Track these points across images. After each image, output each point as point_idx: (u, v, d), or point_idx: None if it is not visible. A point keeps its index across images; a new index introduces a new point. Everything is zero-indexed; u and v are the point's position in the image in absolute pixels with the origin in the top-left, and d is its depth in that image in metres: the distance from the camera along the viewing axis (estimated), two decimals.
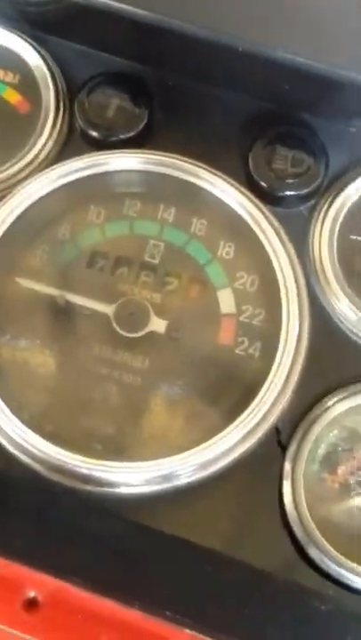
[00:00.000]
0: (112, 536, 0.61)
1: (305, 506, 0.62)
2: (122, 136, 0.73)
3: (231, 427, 0.64)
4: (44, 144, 0.73)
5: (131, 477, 0.64)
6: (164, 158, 0.71)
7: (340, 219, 0.70)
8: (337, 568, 0.61)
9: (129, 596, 0.58)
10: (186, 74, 0.73)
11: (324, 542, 0.61)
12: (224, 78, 0.72)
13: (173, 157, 0.71)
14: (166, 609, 0.57)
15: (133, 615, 0.58)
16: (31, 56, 0.75)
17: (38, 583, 0.59)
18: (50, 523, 0.61)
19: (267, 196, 0.71)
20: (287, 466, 0.64)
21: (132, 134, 0.73)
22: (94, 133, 0.73)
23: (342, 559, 0.61)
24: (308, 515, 0.62)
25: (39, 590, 0.60)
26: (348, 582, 0.61)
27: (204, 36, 0.65)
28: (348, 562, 0.61)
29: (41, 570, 0.59)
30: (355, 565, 0.61)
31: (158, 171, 0.71)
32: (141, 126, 0.73)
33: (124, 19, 0.66)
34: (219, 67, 0.70)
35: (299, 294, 0.68)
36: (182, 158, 0.71)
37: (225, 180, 0.71)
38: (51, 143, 0.73)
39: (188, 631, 0.57)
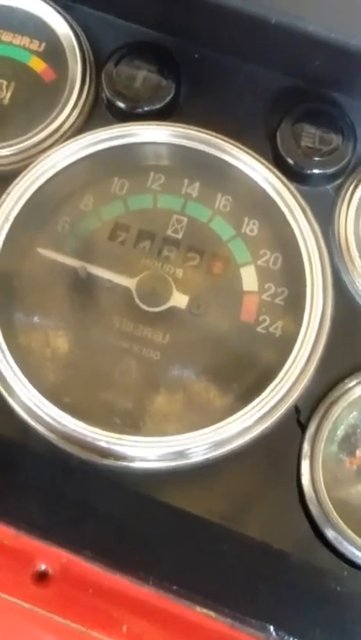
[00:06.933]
0: (126, 511, 0.60)
1: (323, 486, 0.62)
2: (148, 108, 0.72)
3: (249, 406, 0.64)
4: (69, 114, 0.72)
5: (147, 452, 0.63)
6: (191, 132, 0.70)
7: None
8: (353, 549, 0.60)
9: (141, 571, 0.57)
10: (215, 46, 0.72)
11: (341, 523, 0.61)
12: (254, 52, 0.71)
13: (201, 131, 0.70)
14: (178, 586, 0.57)
15: (145, 591, 0.57)
16: (59, 24, 0.74)
17: (49, 556, 0.59)
18: (63, 495, 0.60)
19: (293, 174, 0.70)
20: (306, 446, 0.63)
21: (158, 106, 0.72)
22: (120, 104, 0.72)
23: (358, 540, 0.61)
24: (325, 495, 0.62)
25: (50, 563, 0.59)
26: None
27: (235, 7, 0.64)
28: None
29: (53, 543, 0.58)
30: None
31: (185, 144, 0.71)
32: (168, 98, 0.72)
33: None
34: (249, 39, 0.69)
35: (323, 274, 0.67)
36: (210, 132, 0.70)
37: (252, 155, 0.70)
38: (76, 113, 0.72)
39: (200, 608, 0.57)
